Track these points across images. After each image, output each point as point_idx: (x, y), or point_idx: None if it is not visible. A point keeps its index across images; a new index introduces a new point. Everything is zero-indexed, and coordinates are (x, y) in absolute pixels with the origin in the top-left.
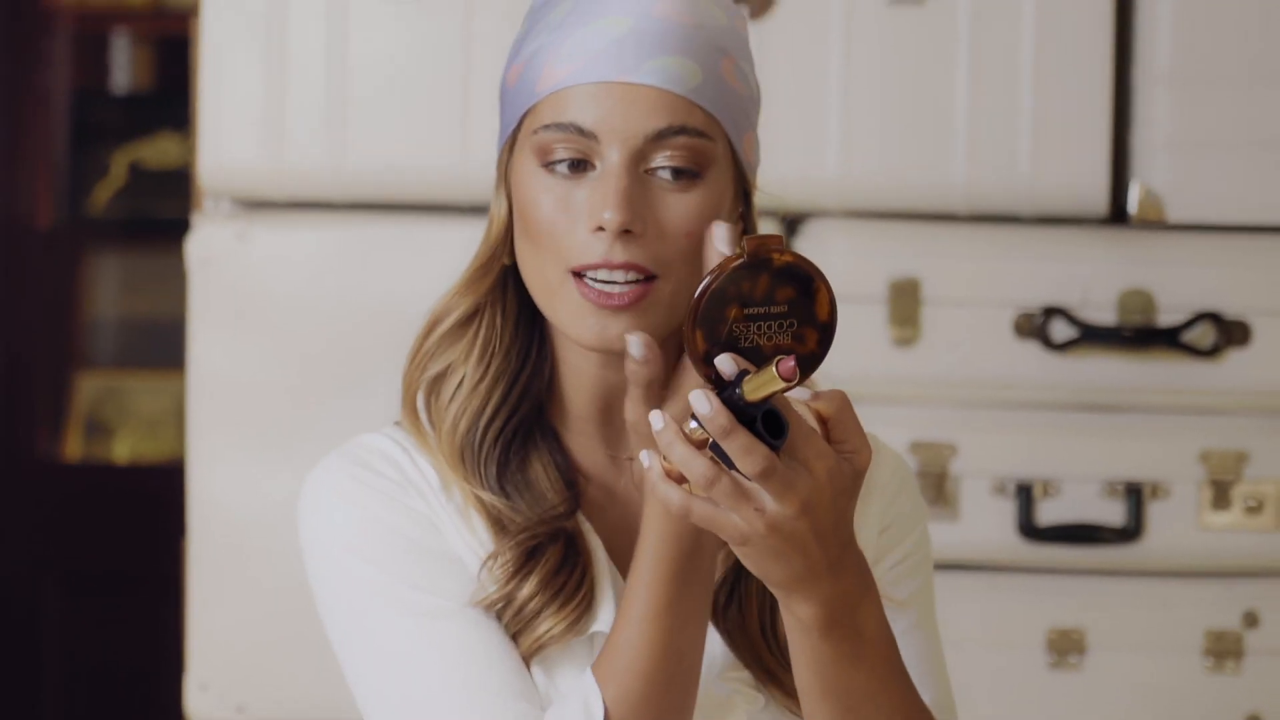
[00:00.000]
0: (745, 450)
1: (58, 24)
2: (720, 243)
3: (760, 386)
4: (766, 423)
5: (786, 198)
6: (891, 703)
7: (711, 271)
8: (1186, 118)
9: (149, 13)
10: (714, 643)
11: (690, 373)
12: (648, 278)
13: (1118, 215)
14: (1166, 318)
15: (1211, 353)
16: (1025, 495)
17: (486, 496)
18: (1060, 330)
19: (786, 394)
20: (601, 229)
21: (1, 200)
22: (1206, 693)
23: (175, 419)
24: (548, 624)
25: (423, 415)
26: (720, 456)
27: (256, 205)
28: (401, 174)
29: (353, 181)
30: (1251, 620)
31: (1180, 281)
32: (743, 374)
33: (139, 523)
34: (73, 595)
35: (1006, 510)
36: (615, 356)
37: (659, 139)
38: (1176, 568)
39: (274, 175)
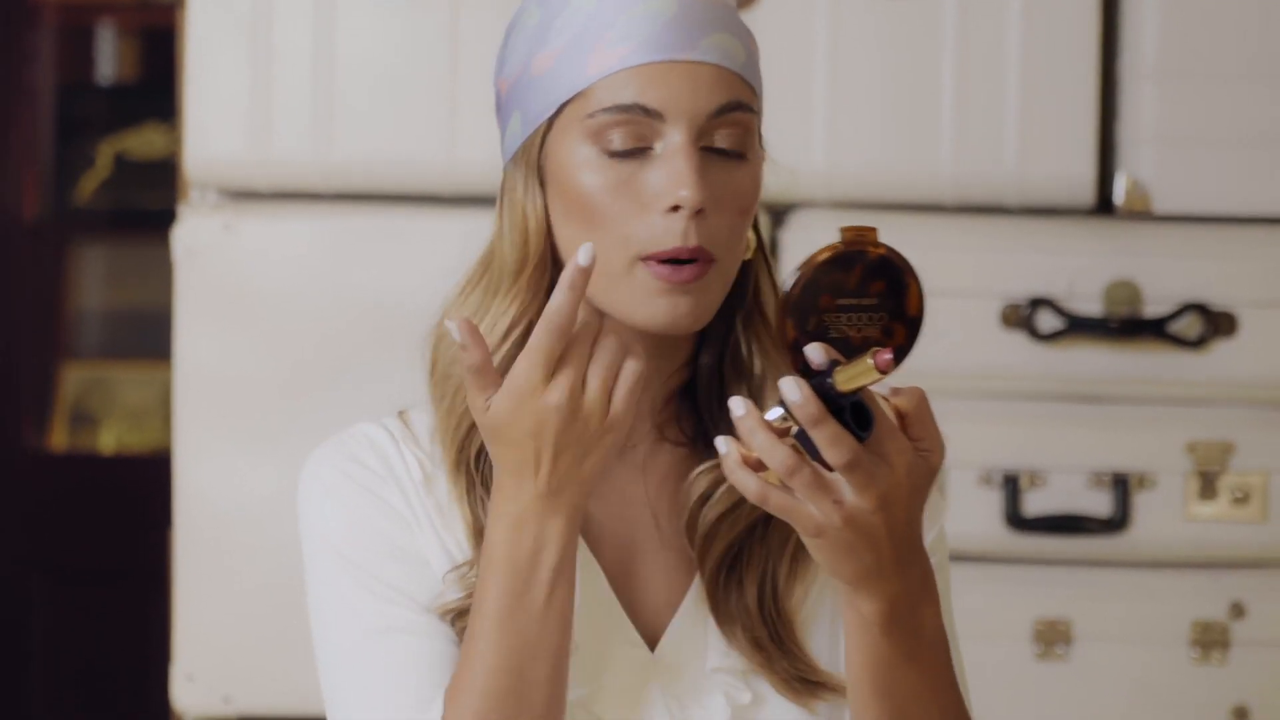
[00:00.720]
0: (833, 440)
1: (43, 16)
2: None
3: (853, 378)
4: (854, 414)
5: (772, 188)
6: (940, 705)
7: (807, 261)
8: (1173, 109)
9: (134, 4)
10: (707, 631)
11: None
12: (708, 260)
13: (1104, 206)
14: (1153, 309)
15: (1198, 344)
16: (1012, 486)
17: (476, 502)
18: (1047, 321)
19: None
20: (676, 208)
21: None
22: (1193, 683)
23: (161, 410)
24: None
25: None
26: (804, 445)
27: (242, 196)
28: (388, 165)
29: (339, 173)
30: (1238, 611)
31: (1167, 272)
32: (834, 364)
33: (124, 513)
34: (58, 585)
35: (993, 500)
36: (638, 344)
37: (719, 115)
38: (1163, 558)
39: (260, 166)
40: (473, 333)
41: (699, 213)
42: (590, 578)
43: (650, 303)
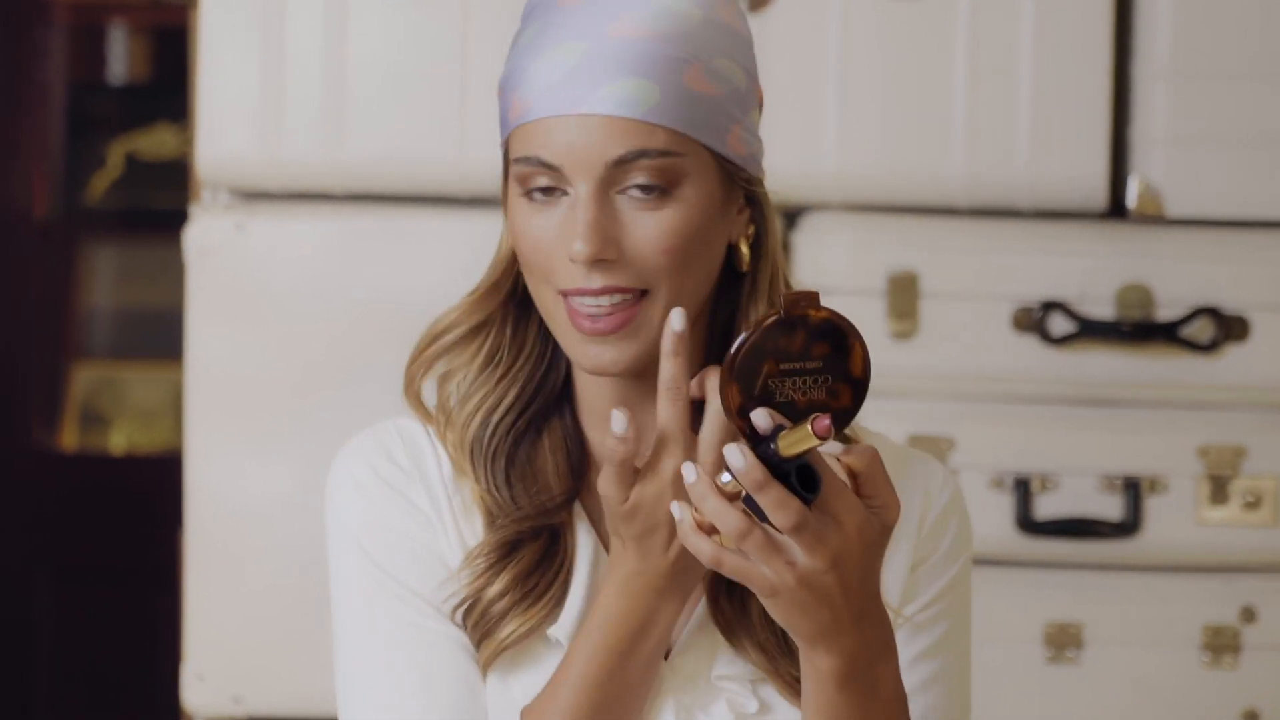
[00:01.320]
0: (778, 504)
1: (54, 15)
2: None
3: (795, 443)
4: (800, 477)
5: (784, 191)
6: None
7: (748, 327)
8: (1185, 112)
9: (145, 4)
10: (711, 637)
11: (708, 422)
12: (636, 293)
13: (1117, 210)
14: (1165, 312)
15: (1210, 348)
16: (1023, 489)
17: (488, 492)
18: (1059, 324)
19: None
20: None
21: None
22: (1204, 688)
23: (171, 410)
24: (511, 626)
25: (433, 409)
26: (753, 509)
27: (254, 196)
28: (399, 166)
29: (350, 173)
30: (1249, 615)
31: (1179, 276)
32: (778, 429)
33: (134, 513)
34: (68, 585)
35: (1004, 504)
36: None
37: (620, 164)
38: (1174, 563)
39: (272, 167)
40: (631, 424)
41: (601, 261)
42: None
43: (574, 347)
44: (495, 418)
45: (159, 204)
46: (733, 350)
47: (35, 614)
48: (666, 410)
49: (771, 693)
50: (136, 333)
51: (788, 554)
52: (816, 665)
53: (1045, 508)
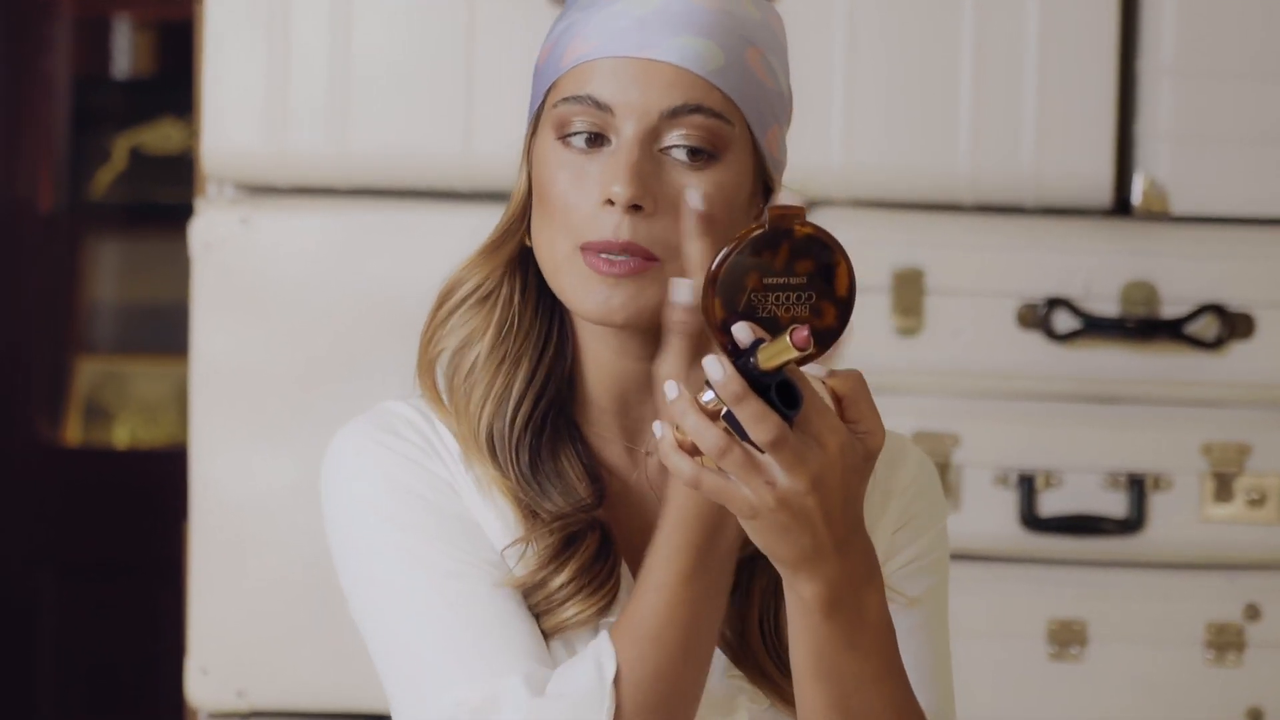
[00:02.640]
0: (757, 418)
1: (59, 9)
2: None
3: (774, 355)
4: (781, 394)
5: (789, 186)
6: (883, 693)
7: (732, 239)
8: (1191, 109)
9: None
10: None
11: (702, 350)
12: (648, 258)
13: (1122, 207)
14: (1170, 309)
15: (1215, 345)
16: (1027, 486)
17: (515, 485)
18: (1063, 321)
19: (803, 370)
20: (610, 203)
21: (3, 184)
22: (1207, 685)
23: (175, 404)
24: (574, 610)
25: (442, 390)
26: (734, 427)
27: (259, 191)
28: (404, 160)
29: (355, 167)
30: (1253, 613)
31: (1184, 273)
32: (758, 342)
33: (138, 508)
34: (72, 580)
35: (1008, 501)
36: (631, 343)
37: (674, 116)
38: (1178, 560)
39: (277, 161)
40: (694, 294)
41: (638, 210)
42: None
43: (584, 291)
44: (510, 406)
45: (163, 198)
46: (715, 263)
47: (39, 608)
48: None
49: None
50: (141, 327)
51: (767, 473)
52: (800, 593)
53: (1049, 504)
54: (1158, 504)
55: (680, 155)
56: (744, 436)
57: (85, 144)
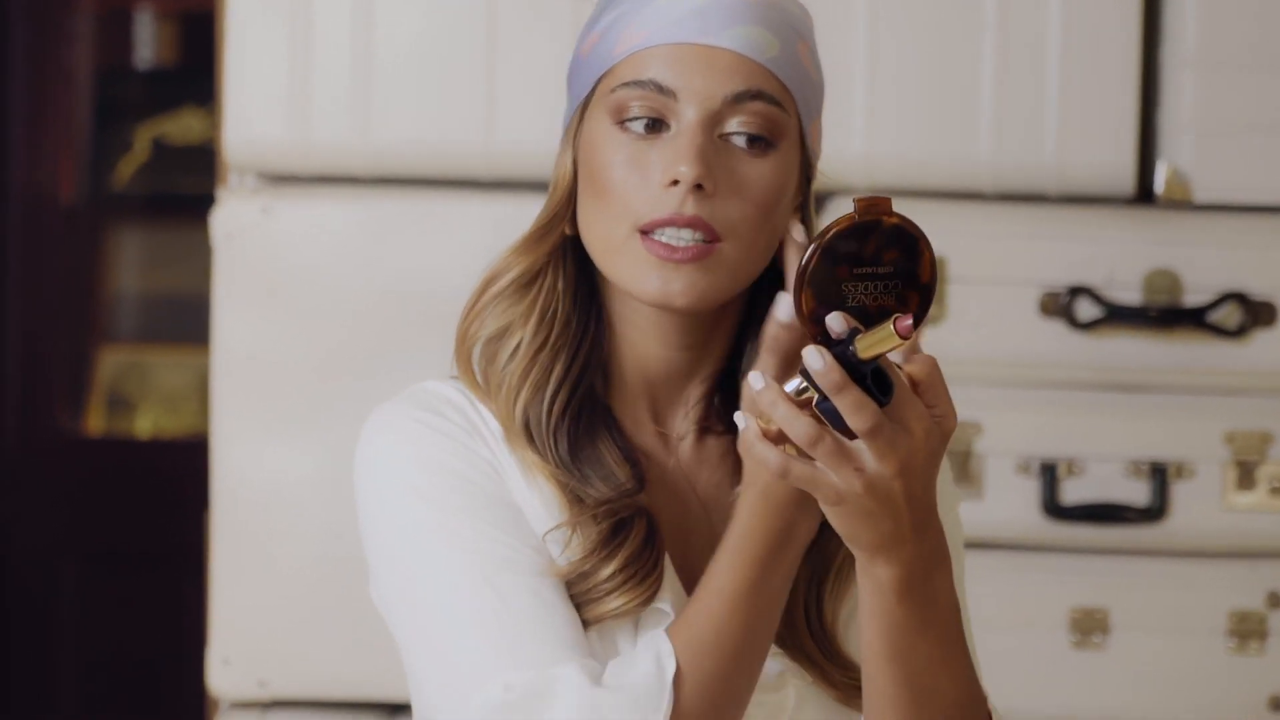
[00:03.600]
0: (857, 407)
1: (81, 1)
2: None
3: (874, 344)
4: (875, 381)
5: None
6: (951, 673)
7: (823, 231)
8: (1213, 98)
9: None
10: None
11: (780, 339)
12: (711, 239)
13: (1144, 195)
14: (1192, 298)
15: (1237, 333)
16: (1050, 474)
17: (556, 470)
18: (1086, 310)
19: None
20: (675, 183)
21: (26, 175)
22: (1229, 673)
23: (197, 394)
24: (619, 600)
25: (478, 374)
26: (826, 417)
27: (281, 180)
28: (426, 150)
29: (377, 157)
30: (1275, 601)
31: (1206, 262)
32: (854, 332)
33: (161, 497)
34: (94, 569)
35: (1031, 489)
36: (673, 332)
37: (736, 102)
38: (1200, 548)
39: (299, 150)
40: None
41: (700, 189)
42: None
43: (643, 276)
44: (549, 391)
45: (186, 189)
46: (806, 256)
47: (61, 598)
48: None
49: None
50: (163, 317)
51: (857, 460)
52: (876, 577)
53: (1072, 493)
54: (1180, 492)
55: (740, 142)
56: (834, 424)
57: (107, 135)
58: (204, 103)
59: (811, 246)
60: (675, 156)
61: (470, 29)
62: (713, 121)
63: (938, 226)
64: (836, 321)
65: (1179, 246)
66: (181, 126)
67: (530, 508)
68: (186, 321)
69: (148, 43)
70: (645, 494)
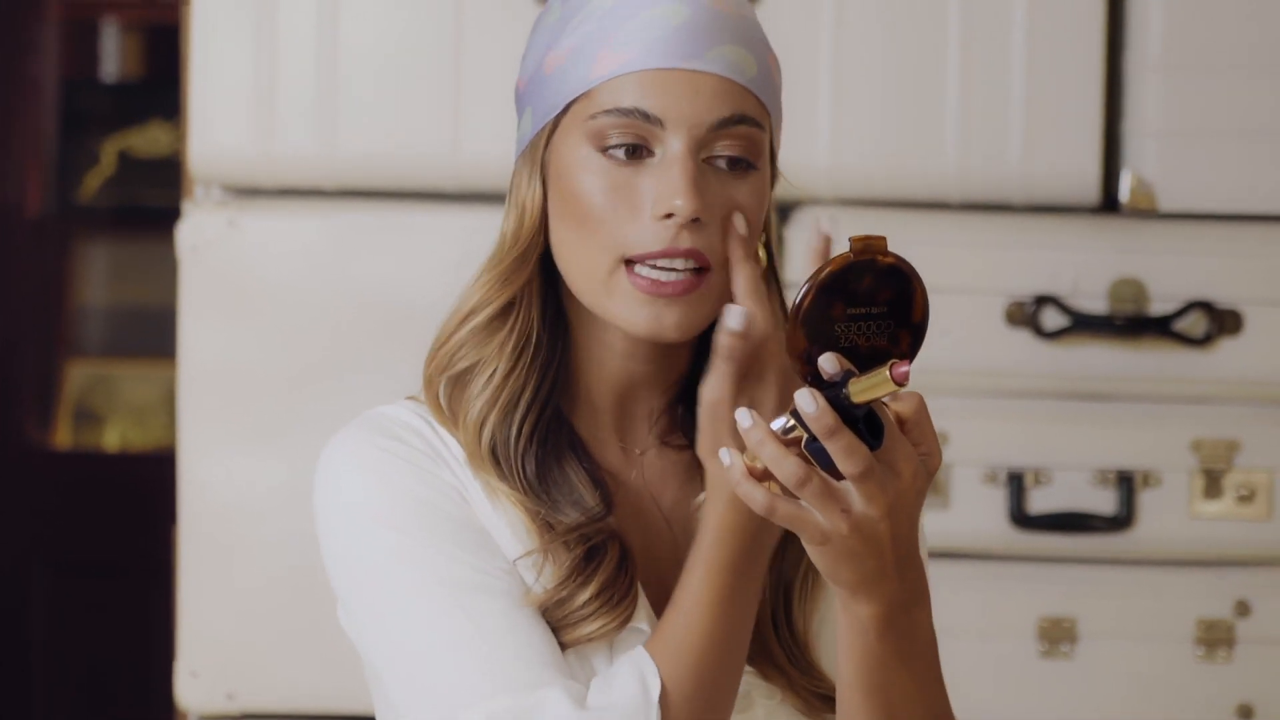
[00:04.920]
0: (848, 451)
1: (47, 12)
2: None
3: (869, 389)
4: (866, 424)
5: (777, 186)
6: (926, 704)
7: (817, 270)
8: (1178, 106)
9: (138, 0)
10: None
11: (770, 373)
12: (702, 267)
13: (1109, 204)
14: (1158, 306)
15: (1203, 341)
16: (1016, 484)
17: (524, 496)
18: (1052, 319)
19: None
20: (669, 216)
21: None
22: (1198, 682)
23: (165, 407)
24: (596, 625)
25: (443, 400)
26: (814, 458)
27: (247, 193)
28: (392, 161)
29: (343, 169)
30: (1243, 609)
31: (1172, 270)
32: (847, 375)
33: (128, 511)
34: (62, 582)
35: (998, 499)
36: (643, 347)
37: (722, 127)
38: (1168, 556)
39: (264, 163)
40: (750, 321)
41: (694, 221)
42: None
43: (633, 311)
44: (516, 417)
45: (152, 201)
46: (800, 294)
47: (29, 611)
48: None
49: (778, 693)
50: (129, 330)
51: (844, 501)
52: (856, 612)
53: (1039, 502)
54: (1147, 501)
55: (722, 164)
56: (822, 464)
57: (73, 147)
58: (170, 115)
59: (806, 285)
60: (669, 189)
61: (436, 41)
62: (698, 148)
63: (903, 236)
64: (830, 363)
65: (1144, 255)
66: (148, 139)
67: (497, 531)
68: (154, 334)
69: (113, 55)
70: (614, 515)
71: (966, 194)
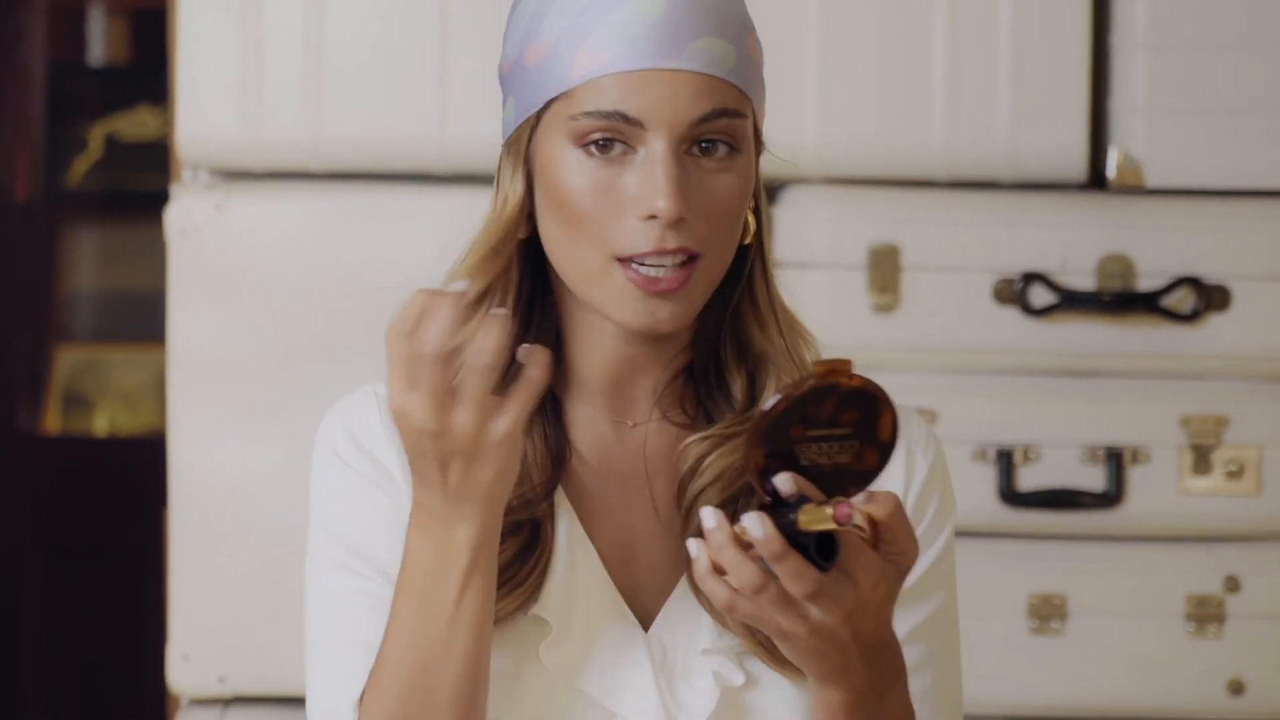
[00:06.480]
0: (795, 575)
1: None
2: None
3: (815, 520)
4: (819, 545)
5: (765, 165)
6: None
7: (781, 394)
8: (1165, 82)
9: None
10: (692, 610)
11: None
12: (690, 257)
13: (1096, 180)
14: (1146, 283)
15: (1191, 317)
16: (1006, 461)
17: None
18: (1040, 296)
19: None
20: (653, 217)
21: None
22: (1188, 657)
23: (154, 392)
24: (500, 605)
25: None
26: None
27: (235, 176)
28: (380, 144)
29: (331, 152)
30: (1233, 585)
31: (1160, 246)
32: (801, 500)
33: (119, 495)
34: (53, 567)
35: (987, 476)
36: (634, 333)
37: (702, 123)
38: (1158, 533)
39: (252, 146)
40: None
41: (679, 220)
42: (585, 558)
43: (627, 306)
44: None
45: (140, 185)
46: (763, 414)
47: (20, 596)
48: (407, 354)
49: (759, 665)
50: (119, 315)
51: (801, 608)
52: (826, 698)
53: (1028, 479)
54: (1136, 477)
55: (704, 156)
56: None
57: (61, 132)
58: (158, 100)
59: (768, 408)
60: (651, 189)
61: (423, 22)
62: (680, 145)
63: (891, 214)
64: (785, 484)
65: (1132, 231)
66: (136, 123)
67: None
68: (144, 319)
69: (100, 40)
70: (573, 489)
71: (954, 172)
